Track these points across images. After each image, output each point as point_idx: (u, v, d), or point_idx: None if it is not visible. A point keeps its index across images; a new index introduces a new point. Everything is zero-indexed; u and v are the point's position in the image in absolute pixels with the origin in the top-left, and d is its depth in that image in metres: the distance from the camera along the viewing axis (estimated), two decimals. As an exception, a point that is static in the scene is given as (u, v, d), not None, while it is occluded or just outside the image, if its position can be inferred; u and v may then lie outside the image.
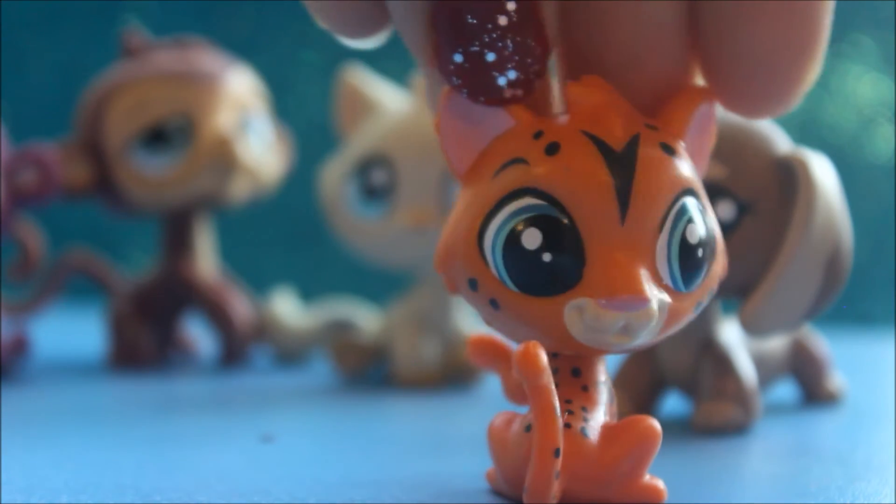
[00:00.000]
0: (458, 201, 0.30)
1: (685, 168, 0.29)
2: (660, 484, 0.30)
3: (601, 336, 0.28)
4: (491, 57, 0.28)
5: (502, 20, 0.28)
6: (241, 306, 0.62)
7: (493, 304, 0.29)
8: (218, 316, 0.61)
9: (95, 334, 0.65)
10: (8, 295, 0.62)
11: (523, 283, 0.28)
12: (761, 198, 0.43)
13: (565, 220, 0.28)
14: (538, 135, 0.29)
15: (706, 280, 0.30)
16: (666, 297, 0.29)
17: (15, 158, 0.57)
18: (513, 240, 0.28)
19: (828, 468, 0.38)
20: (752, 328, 0.43)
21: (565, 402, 0.29)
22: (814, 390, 0.51)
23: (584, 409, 0.30)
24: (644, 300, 0.28)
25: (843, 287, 0.43)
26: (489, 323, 0.30)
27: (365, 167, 0.54)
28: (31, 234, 0.59)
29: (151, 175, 0.59)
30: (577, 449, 0.29)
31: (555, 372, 0.30)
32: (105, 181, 0.60)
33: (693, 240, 0.29)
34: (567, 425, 0.29)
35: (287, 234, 0.96)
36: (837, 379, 0.52)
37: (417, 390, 0.53)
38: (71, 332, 0.72)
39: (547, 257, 0.28)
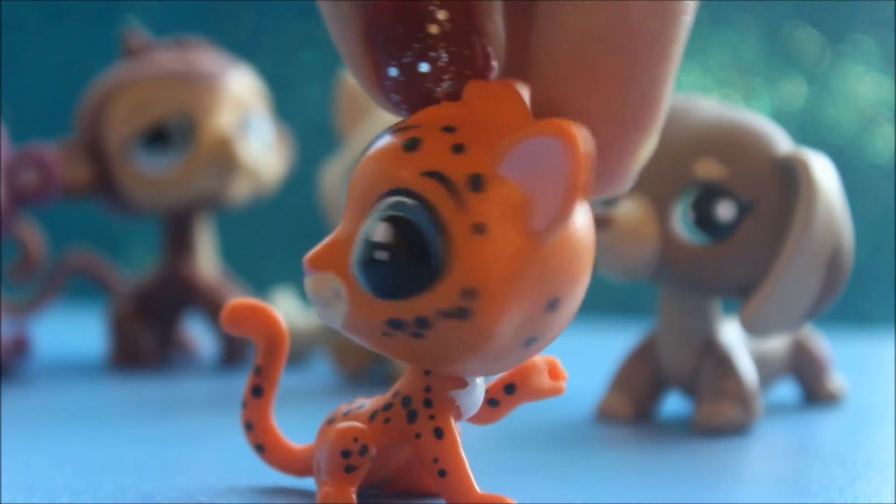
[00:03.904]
0: None
1: (413, 169, 0.26)
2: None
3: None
4: (424, 67, 0.27)
5: (433, 28, 0.27)
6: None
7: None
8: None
9: (96, 334, 0.65)
10: (8, 295, 0.62)
11: None
12: (762, 198, 0.43)
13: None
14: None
15: (412, 301, 0.26)
16: (339, 282, 0.27)
17: (15, 158, 0.57)
18: None
19: (828, 468, 0.38)
20: (753, 328, 0.43)
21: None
22: (814, 390, 0.51)
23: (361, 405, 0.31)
24: (309, 268, 0.27)
25: (843, 287, 0.43)
26: None
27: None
28: (32, 234, 0.59)
29: (152, 175, 0.59)
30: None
31: None
32: (105, 181, 0.60)
33: (376, 238, 0.26)
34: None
35: (287, 234, 0.96)
36: (838, 379, 0.52)
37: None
38: (71, 332, 0.72)
39: None
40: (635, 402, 0.46)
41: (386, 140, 0.27)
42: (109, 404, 0.51)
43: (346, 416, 0.31)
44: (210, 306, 0.61)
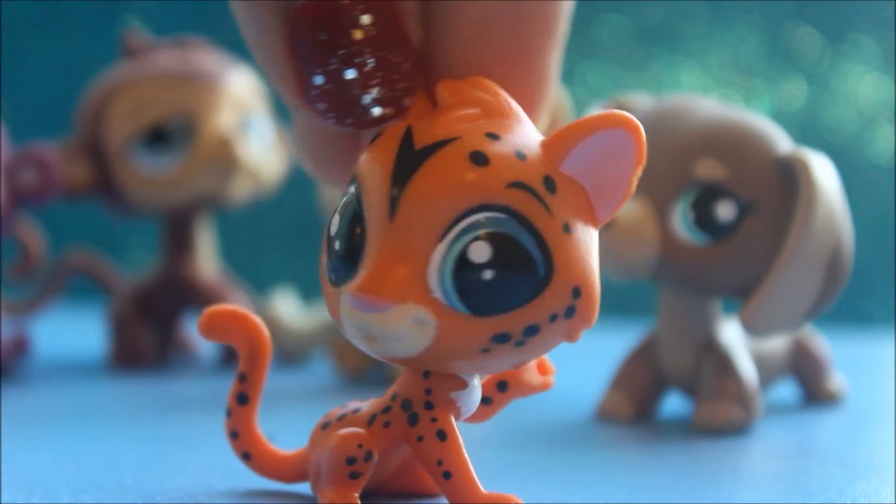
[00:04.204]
0: None
1: (494, 183, 0.26)
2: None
3: (349, 334, 0.27)
4: (350, 74, 0.27)
5: (357, 34, 0.26)
6: (241, 306, 0.62)
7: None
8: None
9: (96, 334, 0.65)
10: (8, 295, 0.62)
11: (330, 271, 0.28)
12: (762, 198, 0.43)
13: (358, 210, 0.27)
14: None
15: (520, 312, 0.26)
16: (423, 311, 0.26)
17: (15, 158, 0.57)
18: (327, 227, 0.28)
19: (828, 468, 0.38)
20: (753, 328, 0.43)
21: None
22: (814, 390, 0.51)
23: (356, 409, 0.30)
24: (378, 303, 0.26)
25: (843, 287, 0.43)
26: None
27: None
28: (32, 234, 0.59)
29: (152, 175, 0.59)
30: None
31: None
32: (105, 181, 0.60)
33: (477, 259, 0.26)
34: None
35: (287, 234, 0.96)
36: (838, 379, 0.52)
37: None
38: (71, 332, 0.72)
39: (336, 244, 0.27)
40: (635, 402, 0.46)
41: (445, 160, 0.26)
42: (109, 404, 0.51)
43: (342, 420, 0.30)
44: (210, 306, 0.61)
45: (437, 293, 0.26)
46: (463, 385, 0.29)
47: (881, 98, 0.91)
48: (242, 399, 0.32)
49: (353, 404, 0.31)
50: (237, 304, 0.33)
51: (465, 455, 0.29)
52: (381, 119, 0.27)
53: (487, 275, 0.26)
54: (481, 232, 0.26)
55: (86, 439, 0.40)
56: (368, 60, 0.26)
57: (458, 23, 0.27)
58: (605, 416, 0.46)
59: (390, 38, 0.27)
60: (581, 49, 0.89)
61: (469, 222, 0.26)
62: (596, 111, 0.28)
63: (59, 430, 0.42)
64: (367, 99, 0.27)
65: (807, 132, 0.88)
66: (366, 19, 0.26)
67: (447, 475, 0.29)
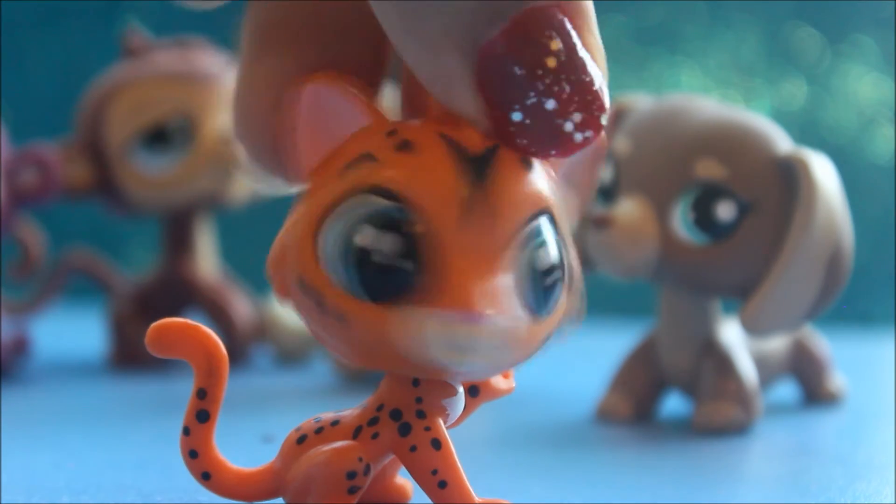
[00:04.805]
0: (300, 200, 0.28)
1: (543, 186, 0.27)
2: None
3: (433, 351, 0.26)
4: (550, 105, 0.26)
5: (551, 62, 0.26)
6: (241, 306, 0.62)
7: (319, 304, 0.27)
8: (218, 316, 0.61)
9: (96, 334, 0.65)
10: (8, 295, 0.62)
11: (359, 286, 0.26)
12: (762, 198, 0.43)
13: (411, 223, 0.26)
14: (392, 133, 0.27)
15: (553, 314, 0.27)
16: (521, 316, 0.26)
17: (15, 158, 0.57)
18: (350, 241, 0.26)
19: (828, 468, 0.38)
20: (753, 328, 0.43)
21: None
22: (814, 390, 0.51)
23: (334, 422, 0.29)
24: (476, 317, 0.26)
25: (843, 287, 0.43)
26: (313, 329, 0.28)
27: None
28: (32, 234, 0.59)
29: (152, 175, 0.59)
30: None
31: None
32: (105, 181, 0.60)
33: (542, 265, 0.26)
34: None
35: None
36: (838, 379, 0.52)
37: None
38: (71, 332, 0.72)
39: (376, 257, 0.26)
40: (635, 402, 0.46)
41: (508, 164, 0.26)
42: (109, 404, 0.51)
43: (321, 434, 0.29)
44: (210, 306, 0.62)
45: (529, 300, 0.26)
46: (453, 392, 0.29)
47: (881, 98, 0.91)
48: (203, 416, 0.30)
49: (327, 416, 0.30)
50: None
51: (458, 463, 0.29)
52: (584, 143, 0.27)
53: (549, 280, 0.27)
54: (543, 238, 0.27)
55: (86, 439, 0.40)
56: (565, 87, 0.26)
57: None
58: (605, 416, 0.46)
59: (578, 58, 0.26)
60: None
61: (531, 228, 0.26)
62: None
63: (59, 430, 0.42)
64: (569, 126, 0.26)
65: (807, 132, 0.88)
66: (556, 45, 0.26)
67: (443, 484, 0.28)
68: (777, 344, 0.49)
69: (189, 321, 0.30)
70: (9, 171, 0.56)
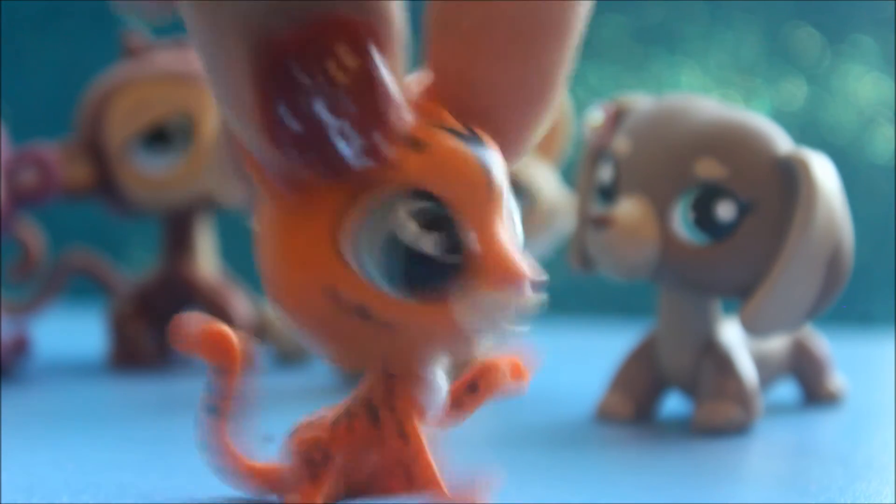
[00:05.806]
0: (279, 210, 0.28)
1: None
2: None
3: (492, 322, 0.27)
4: (331, 123, 0.25)
5: (342, 78, 0.24)
6: (241, 306, 0.62)
7: (362, 314, 0.27)
8: (218, 316, 0.61)
9: (96, 334, 0.65)
10: (8, 295, 0.62)
11: (410, 290, 0.26)
12: (762, 198, 0.43)
13: (449, 217, 0.26)
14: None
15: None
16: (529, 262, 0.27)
17: (15, 158, 0.57)
18: (395, 247, 0.26)
19: (828, 468, 0.38)
20: (753, 328, 0.43)
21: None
22: (814, 390, 0.51)
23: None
24: (525, 281, 0.27)
25: (843, 287, 0.43)
26: (325, 336, 0.28)
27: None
28: (32, 234, 0.59)
29: (152, 175, 0.59)
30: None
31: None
32: (105, 181, 0.60)
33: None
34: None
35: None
36: (838, 379, 0.52)
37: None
38: (71, 332, 0.72)
39: (431, 248, 0.26)
40: (635, 402, 0.46)
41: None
42: (109, 404, 0.51)
43: (310, 426, 0.30)
44: (210, 306, 0.61)
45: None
46: (426, 385, 0.29)
47: (881, 98, 0.91)
48: (219, 413, 0.33)
49: (321, 411, 0.31)
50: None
51: (429, 455, 0.29)
52: (360, 170, 0.26)
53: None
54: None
55: (86, 439, 0.40)
56: (351, 106, 0.25)
57: (458, 16, 0.27)
58: (605, 416, 0.46)
59: (375, 82, 0.25)
60: (581, 49, 0.89)
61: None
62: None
63: (59, 430, 0.42)
64: (345, 150, 0.25)
65: (807, 132, 0.88)
66: (352, 62, 0.24)
67: (410, 475, 0.29)
68: (777, 344, 0.49)
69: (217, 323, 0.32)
70: (9, 171, 0.56)
